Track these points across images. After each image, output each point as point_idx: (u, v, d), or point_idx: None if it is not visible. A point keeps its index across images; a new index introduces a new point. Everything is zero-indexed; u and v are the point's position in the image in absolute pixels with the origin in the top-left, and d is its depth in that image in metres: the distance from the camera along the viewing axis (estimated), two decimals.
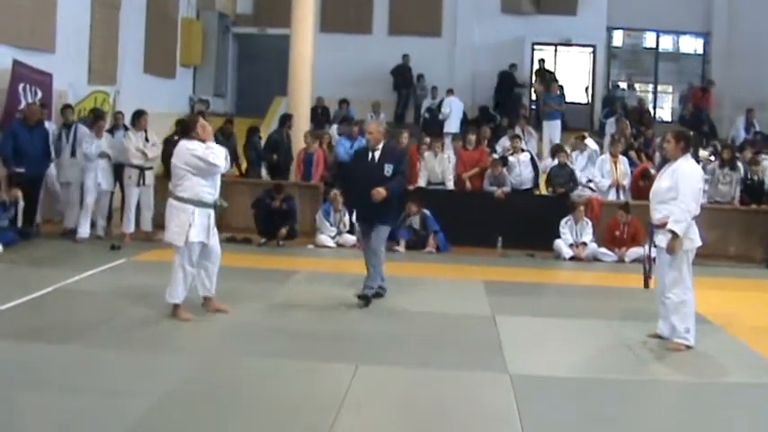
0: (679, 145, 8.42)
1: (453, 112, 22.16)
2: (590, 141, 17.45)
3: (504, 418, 6.11)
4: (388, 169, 10.02)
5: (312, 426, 5.83)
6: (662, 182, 8.45)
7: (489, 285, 11.49)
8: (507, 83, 24.49)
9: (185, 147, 8.77)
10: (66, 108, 14.82)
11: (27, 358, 7.11)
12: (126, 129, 14.89)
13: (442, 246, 14.82)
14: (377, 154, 10.15)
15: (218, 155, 8.75)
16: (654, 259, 8.68)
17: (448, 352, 7.98)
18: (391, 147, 10.64)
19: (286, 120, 17.70)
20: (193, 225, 8.69)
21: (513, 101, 24.08)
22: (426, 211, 14.95)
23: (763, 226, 15.54)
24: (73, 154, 14.03)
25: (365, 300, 9.86)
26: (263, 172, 17.37)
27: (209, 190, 8.84)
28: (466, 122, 22.12)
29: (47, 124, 14.33)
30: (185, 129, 9.12)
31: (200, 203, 8.75)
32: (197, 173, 8.69)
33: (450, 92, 22.92)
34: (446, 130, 21.36)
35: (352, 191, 10.39)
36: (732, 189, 16.36)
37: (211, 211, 8.91)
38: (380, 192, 9.76)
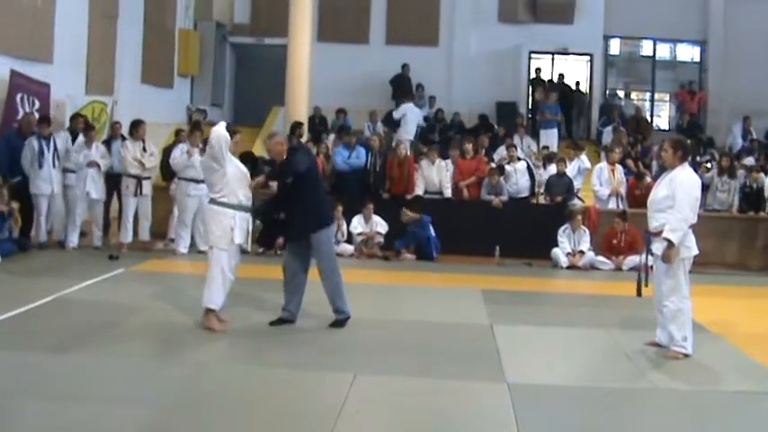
0: (677, 154, 8.42)
1: (409, 119, 21.52)
2: (584, 157, 17.50)
3: (502, 427, 6.11)
4: (290, 178, 9.09)
5: None
6: (659, 190, 8.46)
7: (487, 294, 11.51)
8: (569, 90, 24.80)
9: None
10: (76, 117, 14.97)
11: (27, 368, 7.12)
12: (123, 138, 14.89)
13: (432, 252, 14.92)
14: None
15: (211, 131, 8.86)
16: (651, 267, 8.70)
17: (446, 361, 7.98)
18: (293, 154, 9.41)
19: (296, 128, 17.71)
20: (236, 227, 8.80)
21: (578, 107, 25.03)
22: (421, 216, 14.99)
23: (763, 233, 15.56)
24: (54, 165, 13.92)
25: (339, 325, 9.26)
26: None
27: (247, 194, 9.01)
28: (424, 131, 22.32)
29: (62, 134, 14.42)
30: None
31: (239, 207, 8.87)
32: (219, 165, 8.76)
33: (410, 97, 22.79)
34: (399, 136, 20.70)
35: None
36: (730, 197, 16.42)
37: (249, 216, 9.04)
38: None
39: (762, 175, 16.69)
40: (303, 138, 17.84)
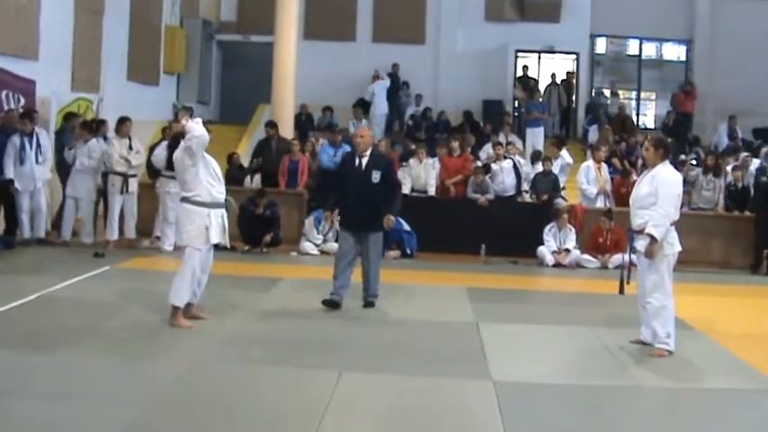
0: (658, 152, 8.48)
1: (377, 93, 23.14)
2: (565, 153, 17.54)
3: (488, 425, 6.11)
4: (376, 176, 9.98)
5: None
6: (641, 188, 8.51)
7: (473, 292, 11.52)
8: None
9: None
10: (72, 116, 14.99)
11: (13, 366, 7.08)
12: (105, 138, 14.87)
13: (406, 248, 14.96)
14: (364, 160, 10.10)
15: (192, 128, 8.72)
16: (635, 265, 8.73)
17: (431, 359, 7.98)
18: (379, 153, 10.67)
19: (268, 126, 17.70)
20: (211, 227, 8.75)
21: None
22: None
23: (747, 232, 15.60)
24: (36, 161, 13.87)
25: (371, 305, 10.18)
26: (247, 179, 17.32)
27: (220, 189, 8.93)
28: (411, 129, 22.97)
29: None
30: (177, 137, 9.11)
31: (213, 204, 8.81)
32: (193, 162, 8.70)
33: (375, 77, 23.58)
34: (373, 111, 22.62)
35: (341, 196, 10.40)
36: (715, 195, 16.46)
37: (224, 212, 8.98)
38: (390, 219, 10.06)
39: (747, 169, 16.72)
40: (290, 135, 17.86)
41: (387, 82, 23.46)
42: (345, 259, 10.08)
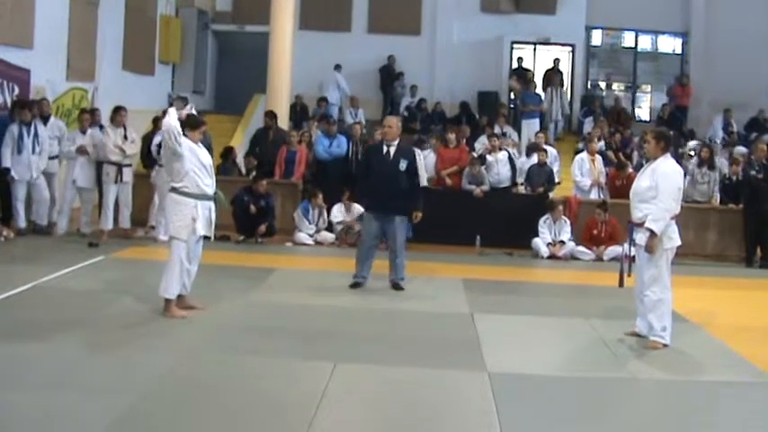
0: (659, 144, 8.46)
1: (332, 86, 23.49)
2: (550, 149, 17.55)
3: (483, 416, 6.11)
4: (403, 164, 10.78)
5: (290, 423, 5.83)
6: (642, 181, 8.48)
7: (468, 283, 11.53)
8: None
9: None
10: (43, 101, 14.80)
11: (6, 356, 7.06)
12: (101, 127, 14.83)
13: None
14: (392, 149, 10.86)
15: (163, 122, 8.70)
16: (633, 257, 8.72)
17: (426, 350, 7.98)
18: (404, 144, 11.39)
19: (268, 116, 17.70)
20: (198, 218, 8.72)
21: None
22: None
23: (742, 225, 15.60)
24: (33, 151, 13.82)
25: (400, 288, 10.89)
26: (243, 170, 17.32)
27: (208, 182, 8.88)
28: (406, 120, 22.70)
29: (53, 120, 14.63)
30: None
31: (201, 196, 8.77)
32: (173, 153, 8.67)
33: (337, 67, 23.70)
34: (330, 101, 23.11)
35: (368, 183, 11.09)
36: (710, 188, 16.46)
37: (212, 204, 8.94)
38: (418, 215, 10.98)
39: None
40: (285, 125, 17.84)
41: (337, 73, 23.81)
42: (367, 244, 10.95)
